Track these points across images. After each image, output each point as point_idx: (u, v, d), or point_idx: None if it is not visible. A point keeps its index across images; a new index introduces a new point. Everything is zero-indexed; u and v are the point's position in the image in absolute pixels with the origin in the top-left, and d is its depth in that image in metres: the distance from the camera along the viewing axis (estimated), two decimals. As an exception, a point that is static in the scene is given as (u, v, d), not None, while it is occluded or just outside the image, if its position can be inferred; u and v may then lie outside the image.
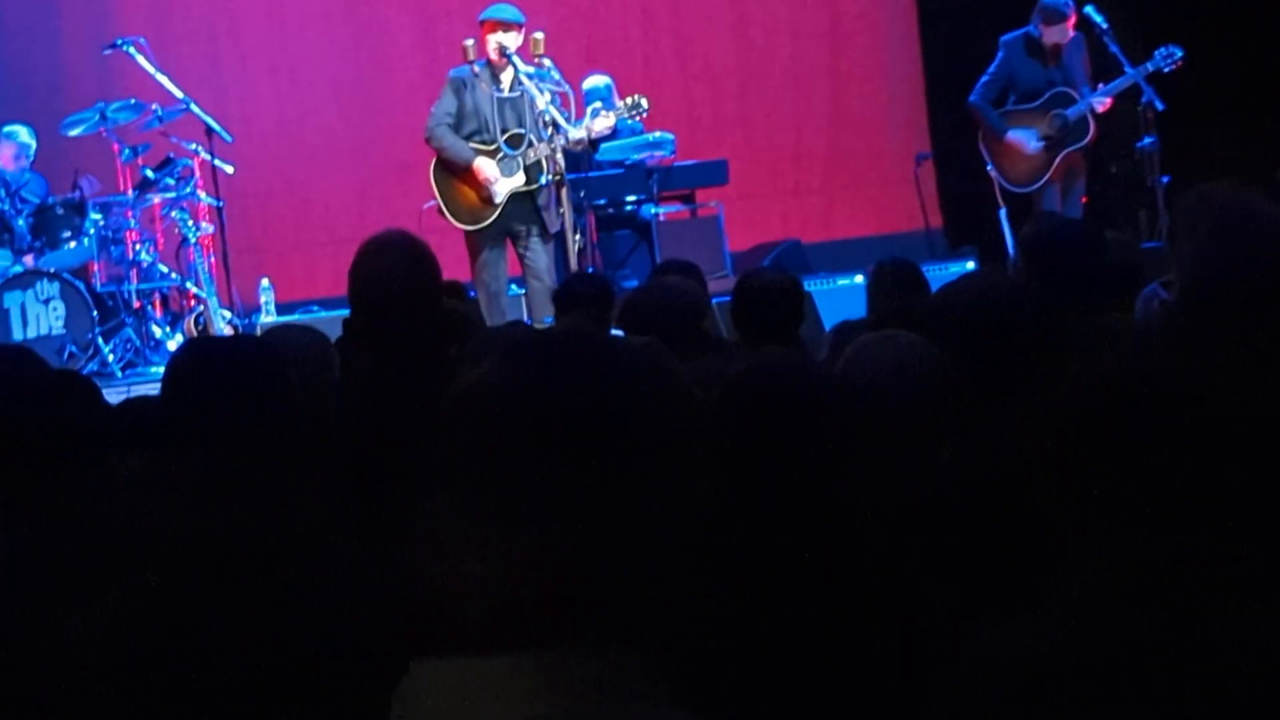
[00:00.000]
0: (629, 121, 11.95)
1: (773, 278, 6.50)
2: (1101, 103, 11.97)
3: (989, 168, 12.23)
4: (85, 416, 3.73)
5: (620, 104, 10.89)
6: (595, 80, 12.84)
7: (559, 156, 10.42)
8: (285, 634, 2.75)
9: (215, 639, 2.77)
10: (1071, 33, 12.05)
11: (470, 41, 10.65)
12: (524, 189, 10.55)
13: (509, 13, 10.65)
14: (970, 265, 12.80)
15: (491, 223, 10.57)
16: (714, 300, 7.40)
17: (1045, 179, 12.06)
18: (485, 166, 10.54)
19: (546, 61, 10.53)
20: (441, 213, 10.67)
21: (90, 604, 2.80)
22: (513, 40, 10.56)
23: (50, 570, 3.20)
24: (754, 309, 6.21)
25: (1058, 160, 12.05)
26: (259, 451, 3.11)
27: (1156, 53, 11.99)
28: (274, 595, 2.78)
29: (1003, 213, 12.28)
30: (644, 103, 10.77)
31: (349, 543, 2.94)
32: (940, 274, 11.24)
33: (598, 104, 11.05)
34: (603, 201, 12.61)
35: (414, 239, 4.95)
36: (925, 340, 4.19)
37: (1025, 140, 12.04)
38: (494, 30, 10.58)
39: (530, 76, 10.48)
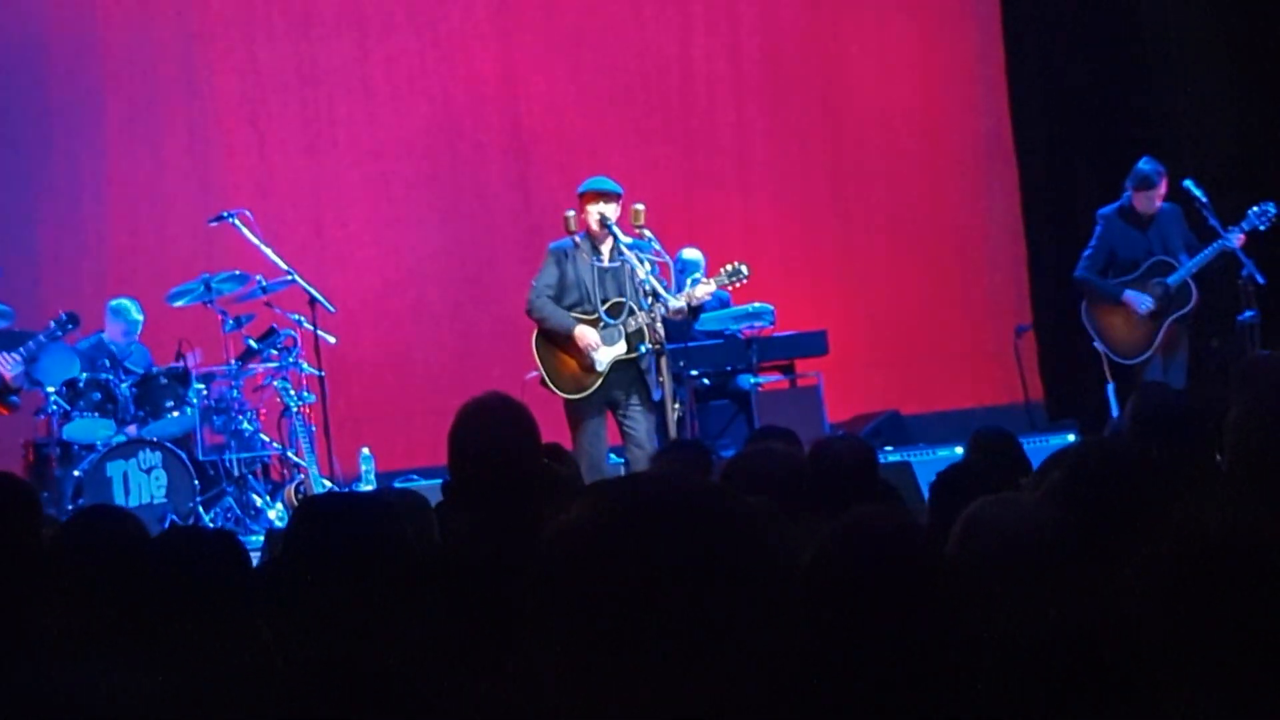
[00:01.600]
0: (725, 293, 12.01)
1: (843, 446, 6.43)
2: (1238, 238, 11.91)
3: (1096, 343, 12.21)
4: (234, 574, 3.80)
5: (720, 271, 10.92)
6: (691, 253, 12.94)
7: (659, 326, 10.45)
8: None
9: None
10: (1160, 200, 12.08)
11: (571, 213, 10.74)
12: (626, 356, 10.59)
13: (608, 184, 10.74)
14: (1071, 438, 12.71)
15: (594, 391, 10.61)
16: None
17: (1152, 350, 12.04)
18: (586, 333, 10.59)
19: (647, 233, 10.59)
20: (544, 382, 10.70)
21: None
22: (613, 211, 10.64)
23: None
24: (826, 476, 6.14)
25: (1163, 329, 12.02)
26: (372, 600, 3.13)
27: (1250, 211, 11.98)
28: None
29: (1110, 387, 12.23)
30: (744, 269, 10.79)
31: (455, 680, 2.94)
32: (1041, 447, 11.17)
33: (698, 274, 11.10)
34: (696, 372, 12.62)
35: (512, 401, 4.96)
36: (1039, 502, 4.15)
37: (1140, 301, 12.02)
38: (594, 201, 10.66)
39: (630, 247, 10.54)
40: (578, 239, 10.74)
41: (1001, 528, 3.89)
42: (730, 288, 11.05)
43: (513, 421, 4.88)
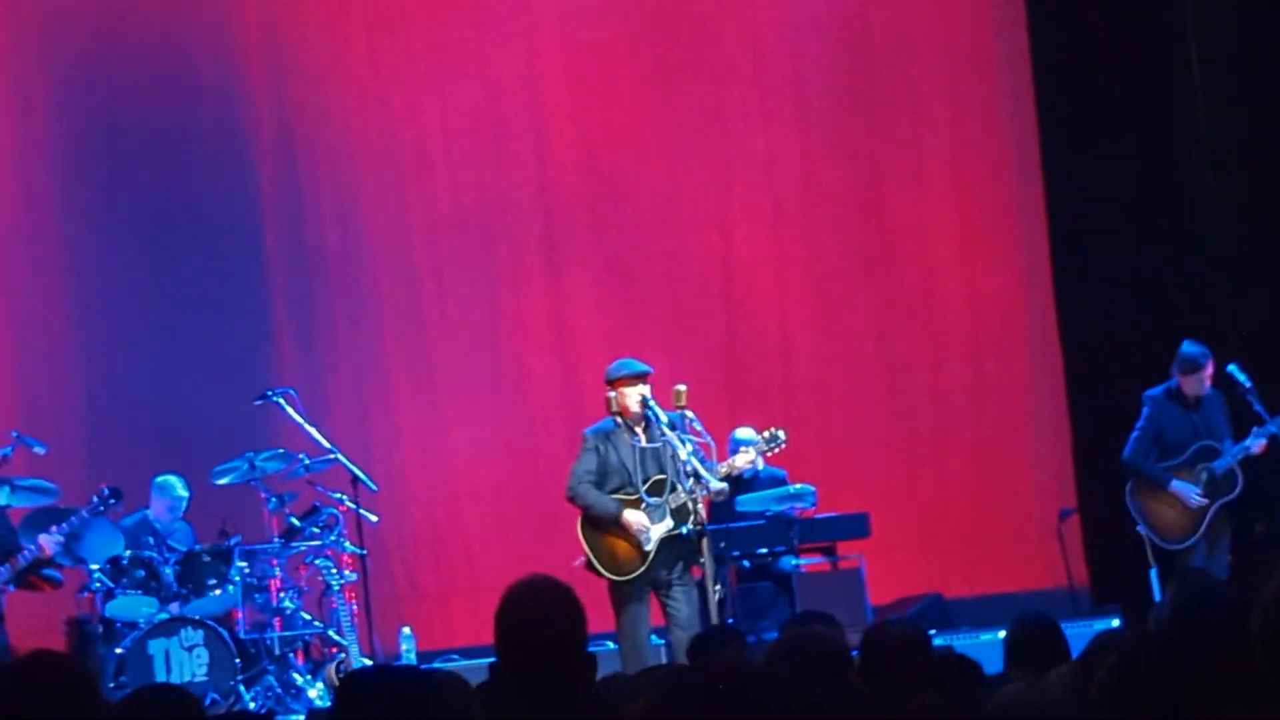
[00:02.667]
0: (771, 469, 12.00)
1: (900, 630, 6.40)
2: (1259, 444, 11.93)
3: (1139, 526, 12.17)
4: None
5: (760, 437, 10.94)
6: (745, 433, 12.90)
7: (700, 506, 10.45)
8: None
9: None
10: (1209, 383, 12.08)
11: (614, 394, 10.74)
12: (671, 533, 10.57)
13: (640, 366, 10.77)
14: (1115, 623, 12.64)
15: (641, 573, 10.58)
16: (854, 653, 7.33)
17: (1196, 536, 12.00)
18: (635, 517, 10.57)
19: (689, 413, 10.61)
20: (590, 566, 10.66)
21: None
22: (649, 390, 10.66)
23: None
24: (881, 661, 6.10)
25: (1208, 516, 11.99)
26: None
27: None
28: None
29: (1154, 571, 12.18)
30: (781, 435, 10.81)
31: None
32: (1084, 631, 11.10)
33: (743, 448, 11.12)
34: (737, 553, 12.59)
35: (561, 583, 4.96)
36: (1065, 692, 4.14)
37: (1188, 493, 12.00)
38: (631, 384, 10.67)
39: (671, 427, 10.55)
40: (618, 420, 10.75)
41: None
42: (769, 455, 11.04)
43: (562, 604, 4.87)
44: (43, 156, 14.49)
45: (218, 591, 12.13)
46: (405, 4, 15.07)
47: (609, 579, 10.65)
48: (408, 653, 12.67)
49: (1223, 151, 14.35)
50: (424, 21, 15.05)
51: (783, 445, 10.87)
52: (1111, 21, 14.72)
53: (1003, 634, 11.98)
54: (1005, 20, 15.36)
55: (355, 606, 12.25)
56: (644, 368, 10.76)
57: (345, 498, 12.37)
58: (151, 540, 12.30)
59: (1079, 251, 14.88)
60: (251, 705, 11.79)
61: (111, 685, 11.46)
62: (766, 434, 10.87)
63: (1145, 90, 14.65)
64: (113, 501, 11.83)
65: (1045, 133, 15.09)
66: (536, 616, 4.83)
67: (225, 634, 11.85)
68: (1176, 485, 12.08)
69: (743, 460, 10.75)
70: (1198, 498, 12.02)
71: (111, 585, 11.90)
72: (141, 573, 11.99)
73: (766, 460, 11.22)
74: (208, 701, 11.51)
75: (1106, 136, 14.68)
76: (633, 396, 10.66)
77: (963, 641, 12.01)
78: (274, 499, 12.46)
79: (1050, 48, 15.05)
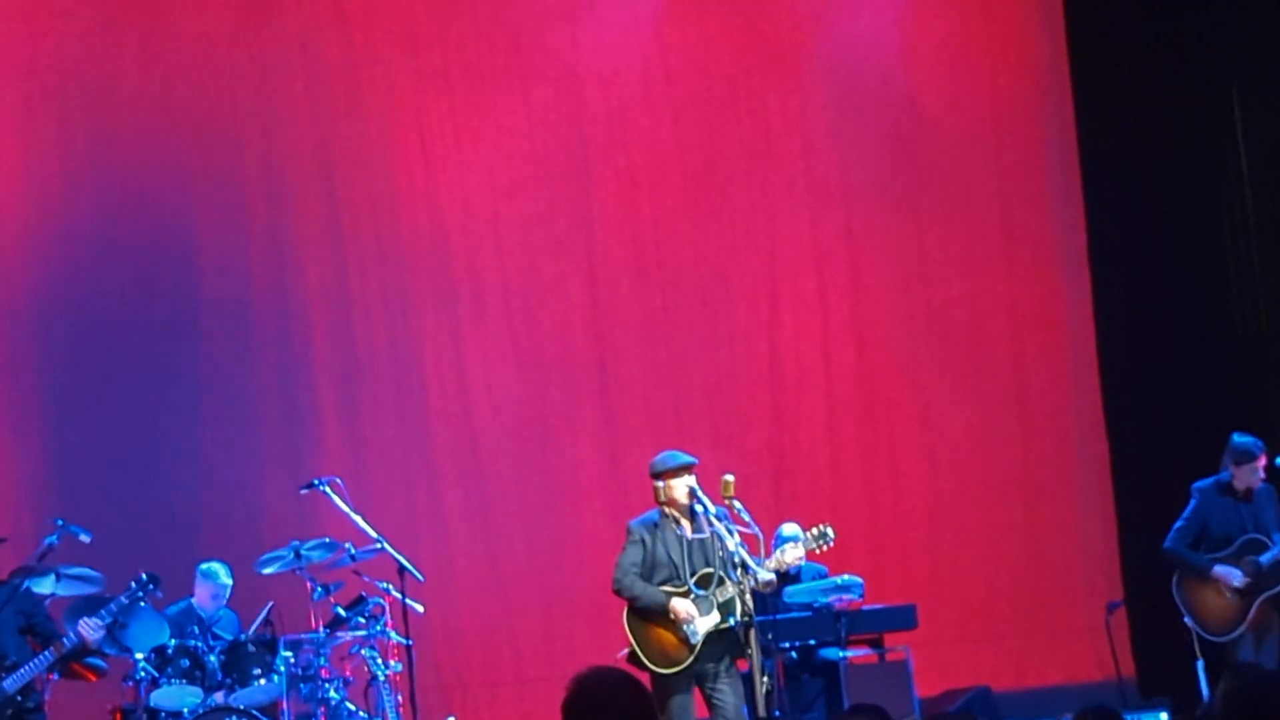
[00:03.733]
0: (812, 565, 11.91)
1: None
2: None
3: (1185, 619, 12.09)
4: None
5: (807, 534, 10.88)
6: (790, 529, 12.86)
7: (748, 598, 10.39)
8: None
9: None
10: (1262, 474, 12.02)
11: (661, 485, 10.69)
12: (719, 627, 10.50)
13: (686, 457, 10.72)
14: (1163, 716, 12.56)
15: (687, 665, 10.50)
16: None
17: (1243, 627, 11.91)
18: (683, 606, 10.51)
19: (737, 504, 10.55)
20: (636, 658, 10.56)
21: None
22: (695, 481, 10.62)
23: None
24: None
25: (1254, 608, 11.91)
26: None
27: None
28: None
29: (1200, 664, 12.09)
30: (830, 531, 10.75)
31: None
32: (1134, 724, 11.05)
33: (791, 544, 11.06)
34: (784, 645, 12.52)
35: (628, 673, 4.94)
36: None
37: (1231, 575, 11.92)
38: (678, 475, 10.62)
39: (719, 518, 10.50)
40: (665, 512, 10.70)
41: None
42: (819, 551, 10.97)
43: (634, 696, 4.85)
44: (84, 242, 14.55)
45: (263, 681, 12.08)
46: (456, 113, 15.17)
47: (654, 671, 10.56)
48: (452, 744, 12.62)
49: (1271, 247, 14.35)
50: (474, 116, 15.15)
51: (831, 543, 10.80)
52: (1161, 116, 14.76)
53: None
54: (1055, 114, 15.41)
55: (400, 697, 12.19)
56: (690, 459, 10.72)
57: (391, 588, 12.33)
58: (196, 629, 12.27)
59: (1127, 344, 14.87)
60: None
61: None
62: (815, 531, 10.80)
63: (1194, 183, 14.69)
64: (151, 588, 11.77)
65: (1093, 227, 15.13)
66: (608, 707, 4.81)
67: (270, 724, 11.82)
68: (1219, 569, 12.00)
69: (791, 555, 10.68)
70: (1240, 578, 11.93)
71: (156, 674, 11.86)
72: (186, 662, 11.94)
73: (811, 557, 11.15)
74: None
75: (1155, 229, 14.70)
76: (680, 488, 10.61)
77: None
78: (320, 588, 12.43)
79: (1100, 142, 15.11)
